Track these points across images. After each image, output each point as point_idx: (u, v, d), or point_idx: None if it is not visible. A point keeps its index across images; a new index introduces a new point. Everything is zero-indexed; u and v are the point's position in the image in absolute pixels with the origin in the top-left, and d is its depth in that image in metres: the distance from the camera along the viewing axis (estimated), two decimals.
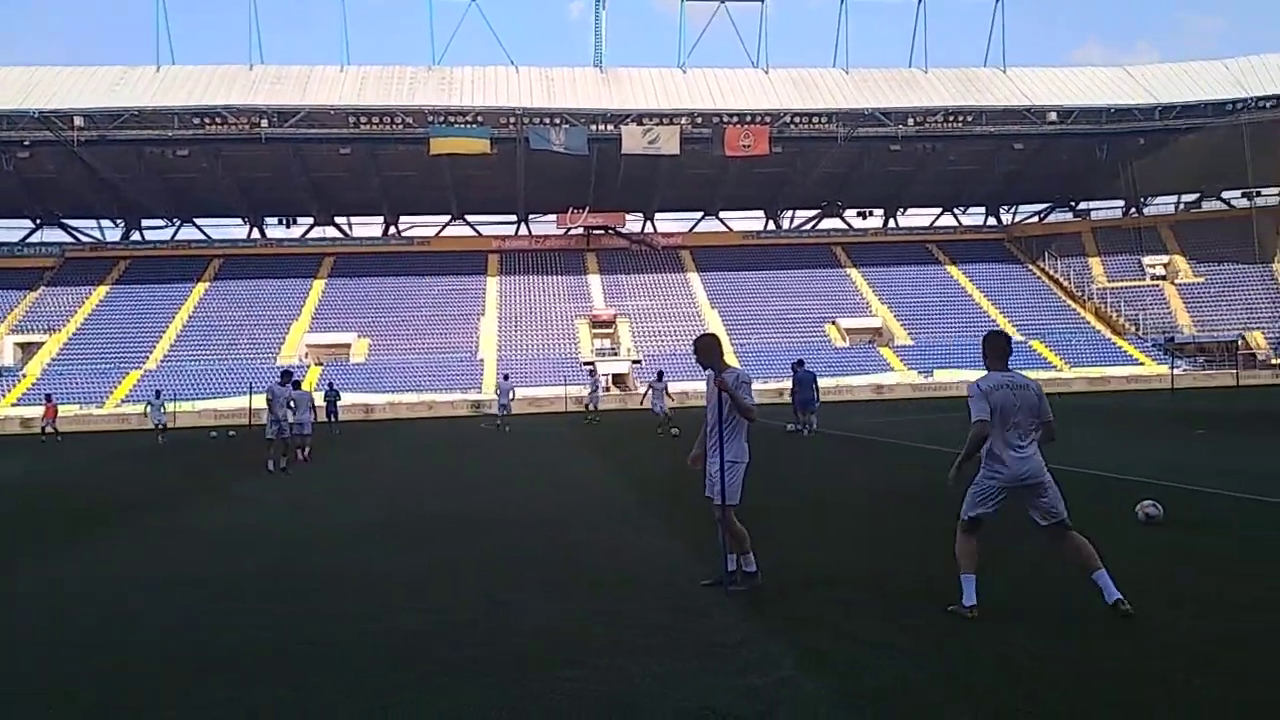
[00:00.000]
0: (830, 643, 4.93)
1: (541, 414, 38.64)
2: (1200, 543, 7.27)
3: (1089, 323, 58.34)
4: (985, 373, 5.51)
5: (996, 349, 5.52)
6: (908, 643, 4.85)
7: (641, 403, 29.41)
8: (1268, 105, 57.31)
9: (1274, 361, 51.89)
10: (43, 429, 30.41)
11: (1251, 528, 7.79)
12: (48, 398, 32.36)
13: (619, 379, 51.45)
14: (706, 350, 6.20)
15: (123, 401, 45.24)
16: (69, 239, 64.45)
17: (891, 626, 5.17)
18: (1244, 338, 53.89)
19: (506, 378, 31.19)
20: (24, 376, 48.23)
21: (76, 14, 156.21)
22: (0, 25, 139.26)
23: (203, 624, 5.81)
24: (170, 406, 32.04)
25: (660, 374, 25.42)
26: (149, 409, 30.35)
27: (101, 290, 57.68)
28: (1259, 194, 62.44)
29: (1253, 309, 57.07)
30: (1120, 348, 54.17)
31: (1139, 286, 61.06)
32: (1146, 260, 63.09)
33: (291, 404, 16.44)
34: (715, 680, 4.41)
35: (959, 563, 5.41)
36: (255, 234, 66.47)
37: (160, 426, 28.95)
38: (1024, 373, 5.51)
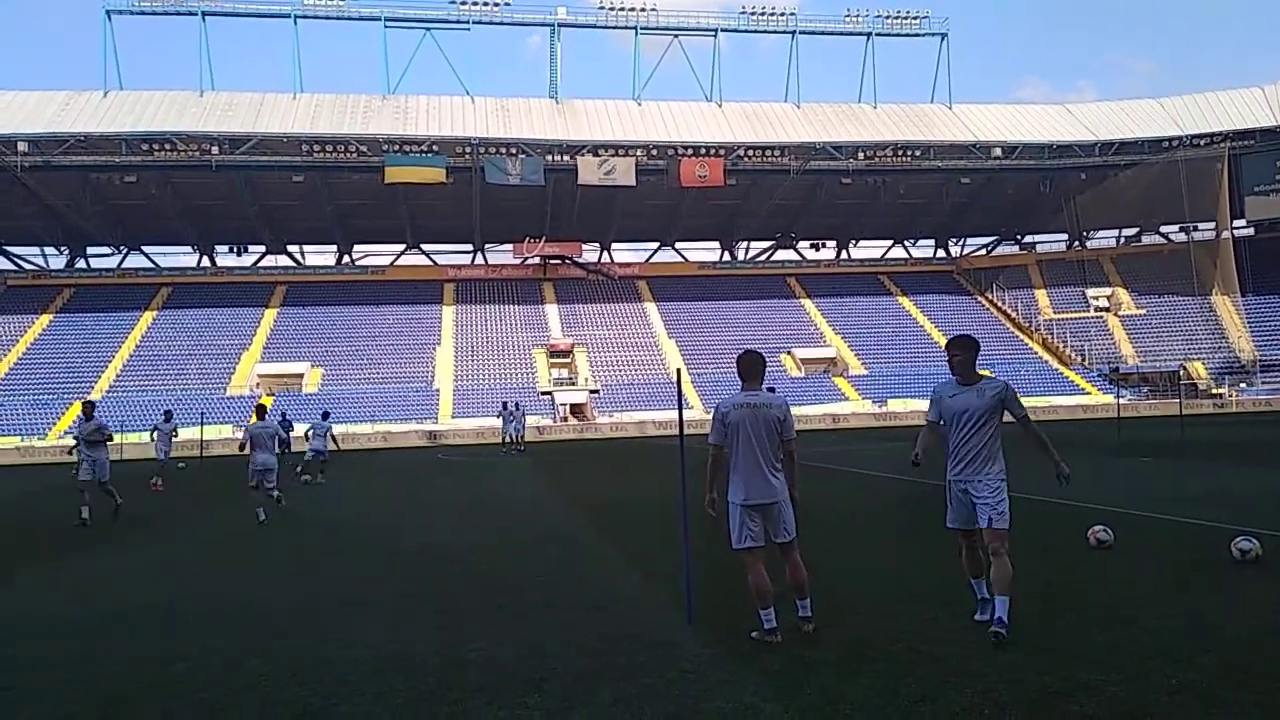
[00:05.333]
0: (791, 667, 4.97)
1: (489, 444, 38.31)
2: (1145, 565, 7.45)
3: (1037, 353, 59.62)
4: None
5: (740, 367, 5.50)
6: (876, 667, 4.90)
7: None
8: (1201, 143, 59.47)
9: (1215, 391, 53.41)
10: None
11: (1196, 549, 8.00)
12: None
13: (577, 409, 51.35)
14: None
15: (65, 433, 44.02)
16: (11, 266, 62.85)
17: (858, 650, 5.22)
18: (1185, 368, 55.41)
19: (505, 405, 31.64)
20: None
21: (20, 38, 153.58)
22: None
23: (144, 656, 5.67)
24: (145, 437, 27.18)
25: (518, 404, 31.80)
26: (155, 435, 22.60)
27: (45, 319, 56.22)
28: (1195, 228, 64.53)
29: (1193, 340, 58.78)
30: (1067, 378, 55.42)
31: (1084, 318, 62.62)
32: (1090, 292, 64.79)
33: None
34: (681, 705, 4.42)
35: (755, 598, 5.28)
36: (205, 262, 65.47)
37: (165, 460, 21.66)
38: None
